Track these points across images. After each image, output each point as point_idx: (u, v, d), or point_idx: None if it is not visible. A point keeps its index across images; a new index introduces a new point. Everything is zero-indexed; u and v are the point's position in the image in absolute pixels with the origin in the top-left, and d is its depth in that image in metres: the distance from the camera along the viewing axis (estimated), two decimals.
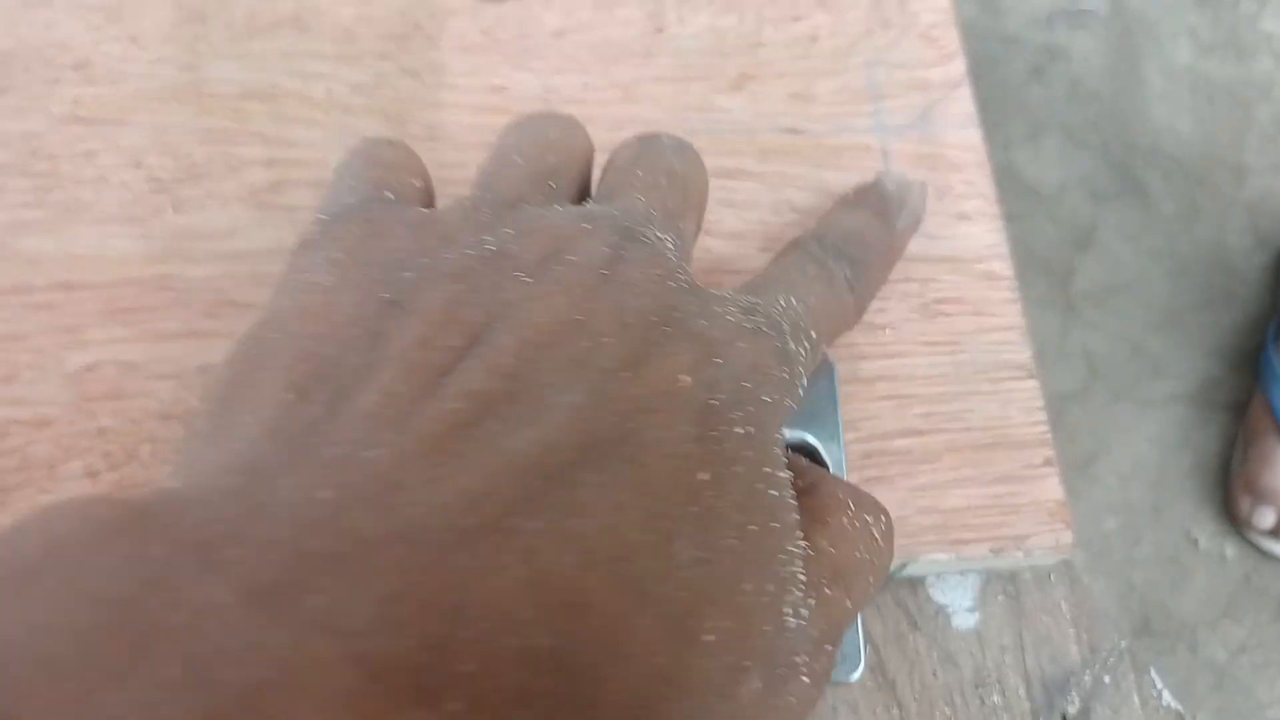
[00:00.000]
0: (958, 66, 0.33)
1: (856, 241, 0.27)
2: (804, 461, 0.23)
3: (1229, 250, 0.90)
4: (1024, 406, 0.30)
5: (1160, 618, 0.79)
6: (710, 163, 0.28)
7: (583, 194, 0.25)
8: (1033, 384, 0.30)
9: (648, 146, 0.24)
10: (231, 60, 0.31)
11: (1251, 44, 0.99)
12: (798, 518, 0.19)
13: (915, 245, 0.31)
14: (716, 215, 0.31)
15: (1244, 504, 0.82)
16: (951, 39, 0.34)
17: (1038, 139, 0.91)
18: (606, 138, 0.29)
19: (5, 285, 0.27)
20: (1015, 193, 0.89)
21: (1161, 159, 0.92)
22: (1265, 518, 0.82)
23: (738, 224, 0.31)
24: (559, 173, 0.23)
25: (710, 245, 0.30)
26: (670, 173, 0.24)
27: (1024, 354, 0.30)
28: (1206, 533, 0.82)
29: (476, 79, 0.31)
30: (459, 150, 0.30)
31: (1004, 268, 0.31)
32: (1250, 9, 1.01)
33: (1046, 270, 0.87)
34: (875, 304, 0.30)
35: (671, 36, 0.33)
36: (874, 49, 0.33)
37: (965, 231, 0.31)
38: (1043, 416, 0.30)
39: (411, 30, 0.32)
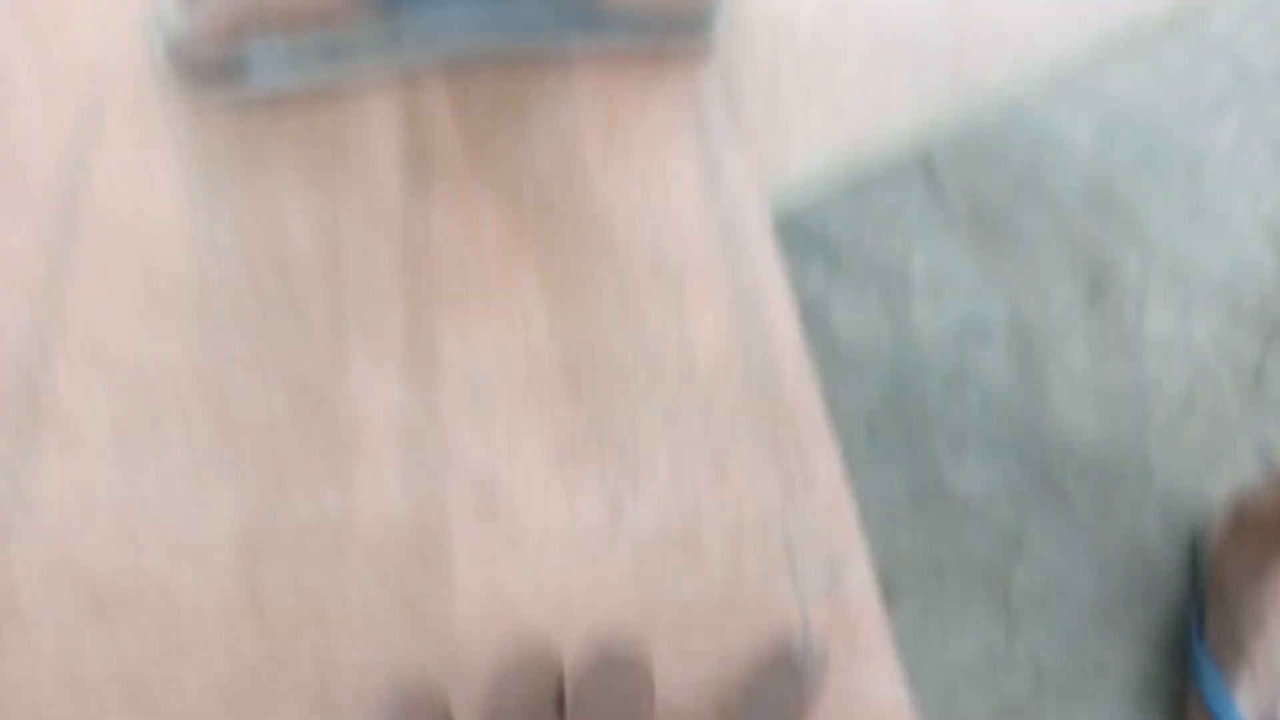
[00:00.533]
0: (855, 535, 0.39)
1: (779, 713, 0.32)
2: None
3: (1146, 545, 0.97)
4: None
5: None
6: (667, 635, 0.33)
7: (559, 700, 0.30)
8: None
9: (606, 670, 0.30)
10: (284, 578, 0.35)
11: (1139, 344, 1.11)
12: None
13: (830, 682, 0.36)
14: (677, 671, 0.35)
15: None
16: (850, 511, 0.40)
17: (960, 452, 0.99)
18: (580, 613, 0.34)
19: None
20: (946, 506, 0.95)
21: (1074, 462, 1.01)
22: None
23: (695, 676, 0.35)
24: (540, 696, 0.29)
25: (671, 698, 0.34)
26: (629, 694, 0.29)
27: None
28: None
29: (479, 574, 0.36)
30: (469, 642, 0.35)
31: (900, 696, 0.36)
32: (1132, 311, 1.14)
33: (986, 579, 0.92)
34: None
35: (629, 524, 0.38)
36: (789, 523, 0.39)
37: (869, 670, 0.36)
38: None
39: (426, 537, 0.37)
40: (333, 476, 0.38)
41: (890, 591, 0.85)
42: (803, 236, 1.11)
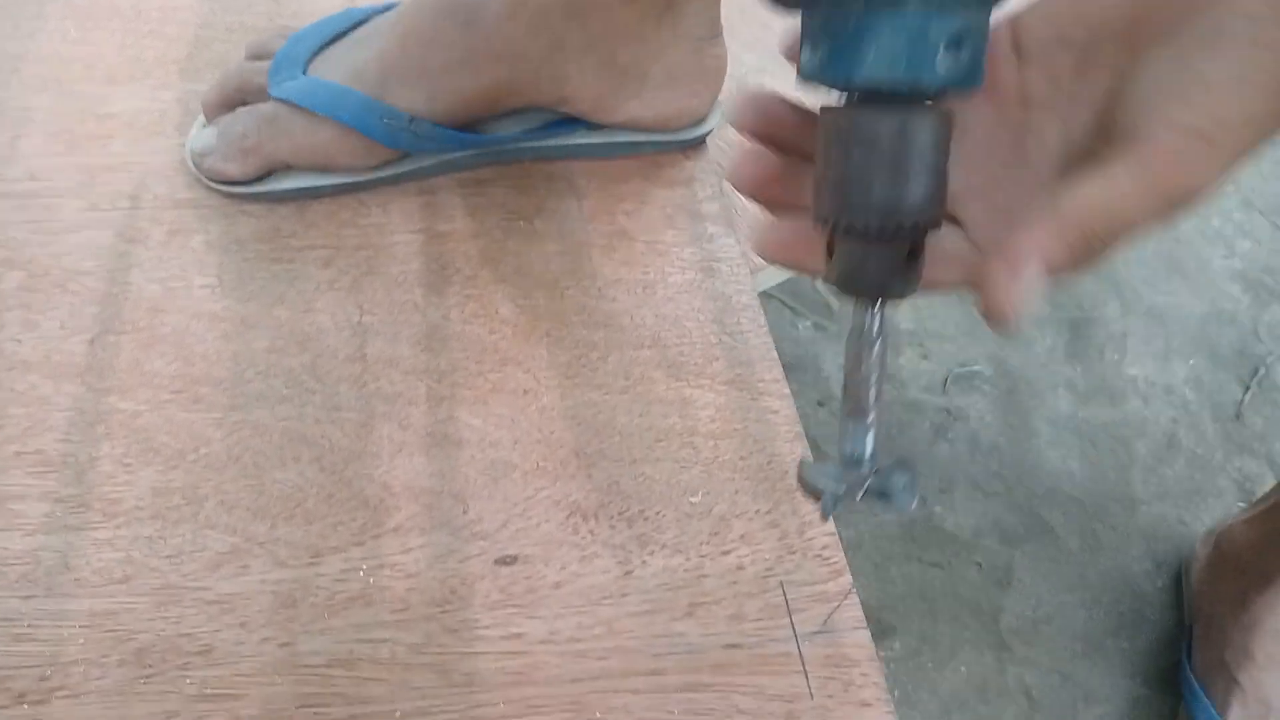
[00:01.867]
0: (845, 581, 0.46)
1: None
2: None
3: (1133, 576, 1.02)
4: None
5: None
6: (676, 680, 0.40)
7: None
8: None
9: None
10: (318, 635, 0.42)
11: (1120, 389, 1.17)
12: None
13: None
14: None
15: None
16: (839, 559, 0.46)
17: (950, 491, 1.05)
18: (596, 667, 0.41)
19: None
20: (937, 543, 1.01)
21: (1060, 499, 1.06)
22: None
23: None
24: None
25: None
26: None
27: None
28: None
29: (499, 630, 0.43)
30: (485, 691, 0.41)
31: None
32: (1113, 357, 1.20)
33: (977, 611, 0.98)
34: None
35: (637, 578, 0.45)
36: (785, 571, 0.46)
37: (867, 716, 0.42)
38: None
39: (449, 595, 0.44)
40: (360, 537, 0.45)
41: (883, 626, 0.90)
42: (794, 296, 1.18)
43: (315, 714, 0.40)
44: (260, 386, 0.49)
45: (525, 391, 0.50)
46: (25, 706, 0.39)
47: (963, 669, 0.94)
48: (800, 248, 0.34)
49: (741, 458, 0.49)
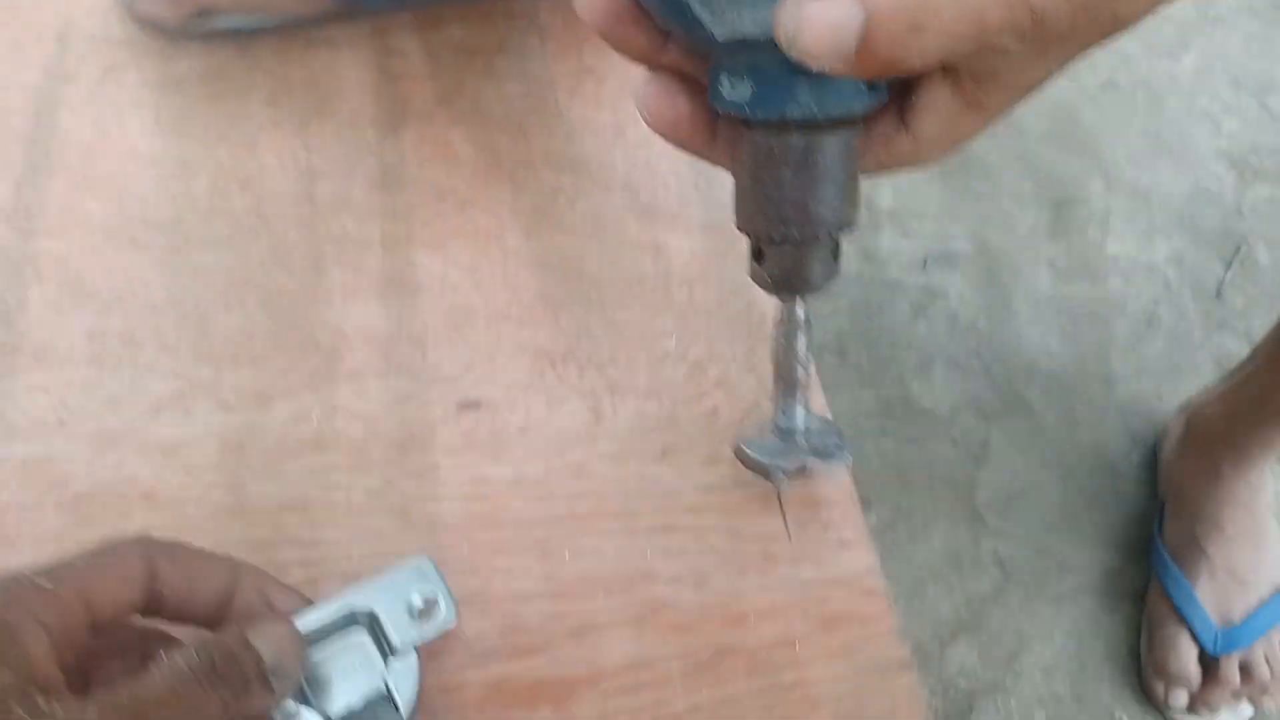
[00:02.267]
0: (821, 400, 0.44)
1: None
2: None
3: (1109, 451, 1.02)
4: (906, 697, 0.38)
5: None
6: (648, 521, 0.38)
7: None
8: (911, 676, 0.39)
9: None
10: (268, 480, 0.40)
11: (1102, 267, 1.15)
12: None
13: (810, 571, 0.40)
14: (655, 564, 0.40)
15: (1158, 688, 0.90)
16: (820, 399, 0.44)
17: (928, 370, 1.04)
18: (564, 509, 0.39)
19: None
20: (914, 418, 1.00)
21: (1039, 376, 1.06)
22: (1179, 698, 0.90)
23: (676, 568, 0.40)
24: None
25: (651, 591, 0.39)
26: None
27: (902, 651, 0.39)
28: (1129, 714, 0.90)
29: (462, 474, 0.41)
30: (448, 534, 0.39)
31: (878, 582, 0.41)
32: (1096, 236, 1.18)
33: (952, 486, 0.97)
34: (785, 622, 0.39)
35: (608, 423, 0.43)
36: (762, 415, 0.44)
37: (846, 557, 0.41)
38: (921, 705, 0.38)
39: (409, 440, 0.41)
40: (313, 386, 0.42)
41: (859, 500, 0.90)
42: None
43: (267, 559, 0.38)
44: (201, 229, 0.46)
45: (488, 235, 0.47)
46: None
47: (937, 542, 0.95)
48: (686, 127, 0.32)
49: (718, 303, 0.47)
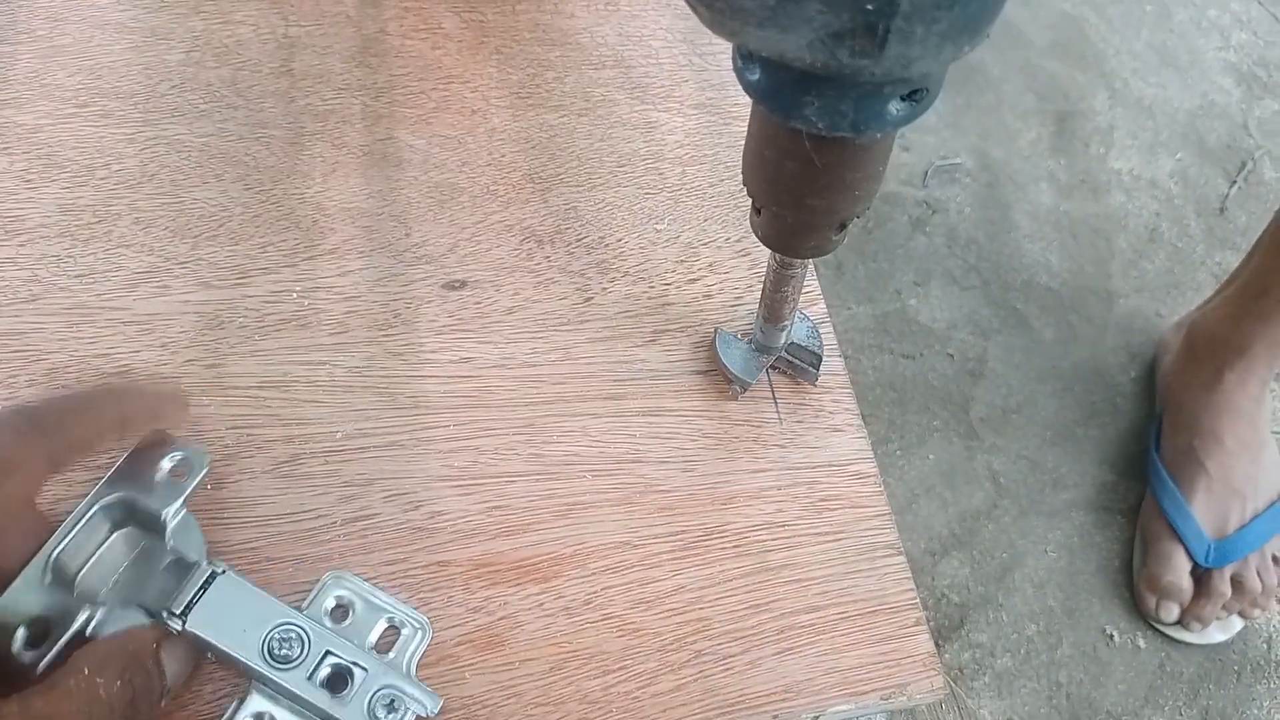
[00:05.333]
0: (820, 307, 0.43)
1: None
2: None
3: (1107, 367, 1.01)
4: (895, 578, 0.38)
5: (1087, 712, 0.87)
6: (638, 404, 0.37)
7: None
8: (900, 559, 0.38)
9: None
10: (247, 356, 0.39)
11: (1104, 182, 1.13)
12: None
13: (800, 454, 0.39)
14: (644, 446, 0.39)
15: (1149, 601, 0.91)
16: (814, 285, 0.43)
17: (926, 284, 1.02)
18: (552, 391, 0.38)
19: None
20: (911, 334, 0.99)
21: (1037, 291, 1.04)
22: (1170, 612, 0.90)
23: (664, 450, 0.39)
24: None
25: (639, 471, 0.38)
26: None
27: (892, 535, 0.39)
28: (1119, 628, 0.90)
29: (448, 354, 0.40)
30: (434, 413, 0.38)
31: (869, 467, 0.40)
32: (1099, 150, 1.16)
33: (947, 401, 0.97)
34: (774, 504, 0.38)
35: (598, 305, 0.42)
36: (755, 299, 0.42)
37: (837, 441, 0.40)
38: (910, 585, 0.38)
39: (392, 318, 0.40)
40: (292, 259, 0.41)
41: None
42: None
43: (247, 435, 0.37)
44: (176, 100, 0.44)
45: (473, 111, 0.45)
46: None
47: (931, 456, 0.94)
48: None
49: (711, 184, 0.45)
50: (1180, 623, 0.92)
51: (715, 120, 0.46)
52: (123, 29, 0.45)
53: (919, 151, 1.12)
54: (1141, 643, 0.91)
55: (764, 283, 0.37)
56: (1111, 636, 0.91)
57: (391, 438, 0.37)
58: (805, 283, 0.38)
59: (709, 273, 0.43)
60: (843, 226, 0.32)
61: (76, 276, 0.39)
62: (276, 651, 0.30)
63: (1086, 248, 1.09)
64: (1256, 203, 1.13)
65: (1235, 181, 1.14)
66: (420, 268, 0.41)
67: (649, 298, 0.42)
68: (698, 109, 0.46)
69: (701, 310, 0.42)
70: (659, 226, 0.44)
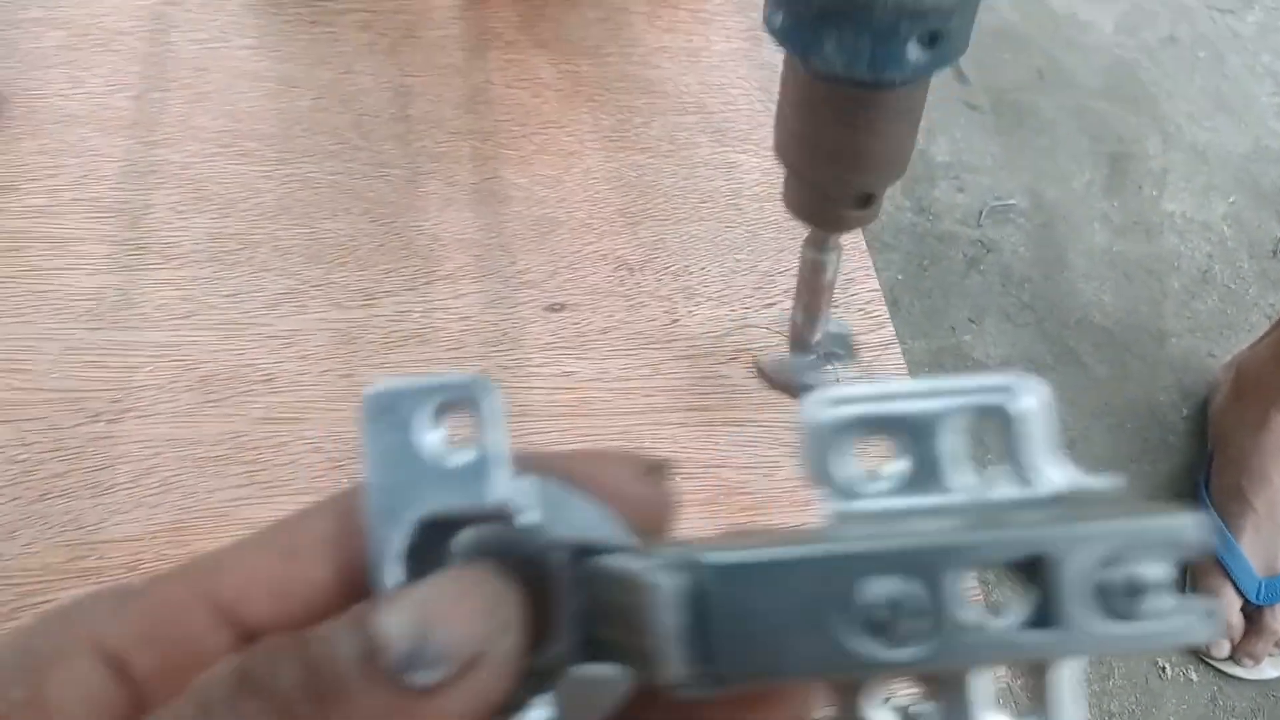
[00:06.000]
0: (888, 332, 0.46)
1: None
2: None
3: (1159, 405, 1.03)
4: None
5: None
6: (721, 415, 0.41)
7: None
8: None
9: None
10: (376, 368, 0.43)
11: (1156, 224, 1.16)
12: None
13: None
14: (727, 452, 0.43)
15: None
16: (881, 311, 0.47)
17: (981, 321, 1.05)
18: (644, 402, 0.42)
19: None
20: (965, 369, 1.02)
21: (1091, 330, 1.07)
22: (1221, 649, 0.92)
23: (747, 457, 0.43)
24: None
25: (723, 475, 0.42)
26: None
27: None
28: (1171, 660, 0.91)
29: (550, 368, 0.44)
30: (540, 420, 0.43)
31: None
32: (1152, 193, 1.18)
33: None
34: None
35: (683, 325, 0.46)
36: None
37: None
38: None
39: (501, 336, 0.45)
40: (412, 283, 0.46)
41: None
42: None
43: None
44: (307, 142, 0.49)
45: (570, 153, 0.50)
46: (101, 424, 0.40)
47: None
48: None
49: (785, 218, 0.49)
50: (1232, 658, 0.93)
51: None
52: (259, 78, 0.51)
53: (974, 192, 1.16)
54: (1194, 676, 0.92)
55: (801, 275, 0.39)
56: (1164, 669, 0.92)
57: None
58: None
59: (785, 298, 0.47)
60: (865, 203, 0.32)
61: (225, 296, 0.44)
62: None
63: (1140, 288, 1.11)
64: None
65: None
66: (525, 292, 0.46)
67: (729, 320, 0.46)
68: (772, 150, 0.51)
69: (779, 333, 0.46)
70: (738, 256, 0.48)
